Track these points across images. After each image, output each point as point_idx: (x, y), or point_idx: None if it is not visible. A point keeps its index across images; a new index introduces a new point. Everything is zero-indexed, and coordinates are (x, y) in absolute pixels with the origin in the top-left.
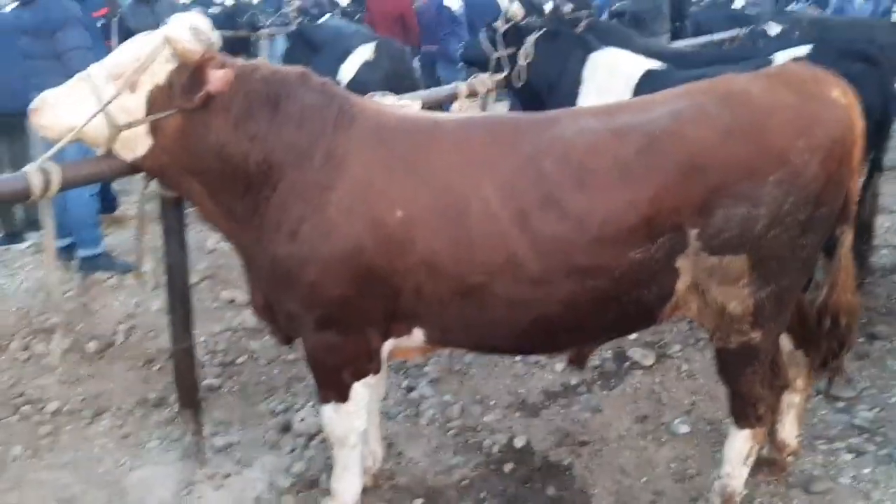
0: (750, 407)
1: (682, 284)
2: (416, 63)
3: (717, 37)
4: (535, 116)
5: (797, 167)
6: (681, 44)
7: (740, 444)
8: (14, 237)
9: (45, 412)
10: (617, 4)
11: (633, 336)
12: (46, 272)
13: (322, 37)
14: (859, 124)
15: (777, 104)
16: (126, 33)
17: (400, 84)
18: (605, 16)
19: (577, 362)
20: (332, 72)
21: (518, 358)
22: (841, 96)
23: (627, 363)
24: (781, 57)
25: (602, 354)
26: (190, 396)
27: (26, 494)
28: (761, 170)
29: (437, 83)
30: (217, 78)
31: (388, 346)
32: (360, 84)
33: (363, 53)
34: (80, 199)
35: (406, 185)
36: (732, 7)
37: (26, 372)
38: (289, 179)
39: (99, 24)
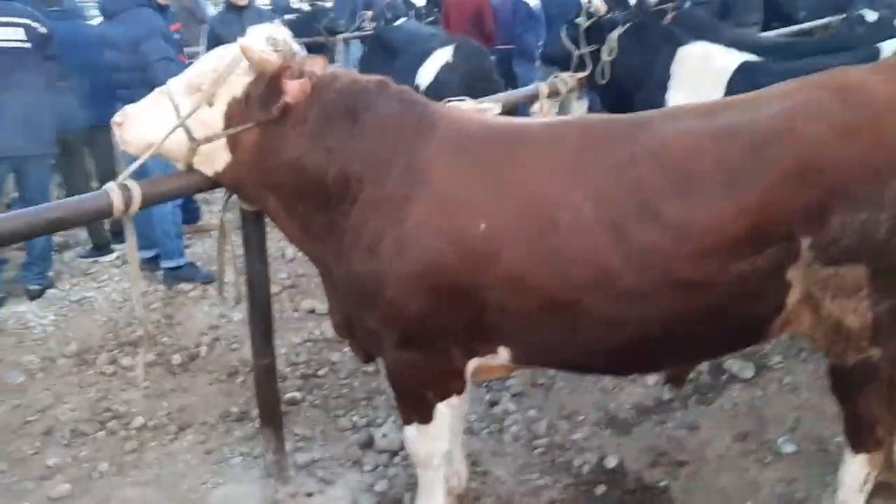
0: (867, 429)
1: (793, 298)
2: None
3: (807, 25)
4: (629, 118)
5: None
6: (770, 34)
7: (856, 470)
8: (101, 249)
9: (130, 427)
10: None
11: None
12: (132, 286)
13: (399, 40)
14: None
15: None
16: (215, 42)
17: (479, 85)
18: (687, 4)
19: (676, 381)
20: (411, 75)
21: None
22: None
23: (725, 376)
24: (889, 46)
25: (697, 367)
26: (271, 413)
27: None
28: (884, 170)
29: (514, 81)
30: (293, 88)
31: (473, 365)
32: (439, 87)
33: (443, 56)
34: (164, 212)
35: (490, 195)
36: None
37: (113, 386)
38: (367, 193)
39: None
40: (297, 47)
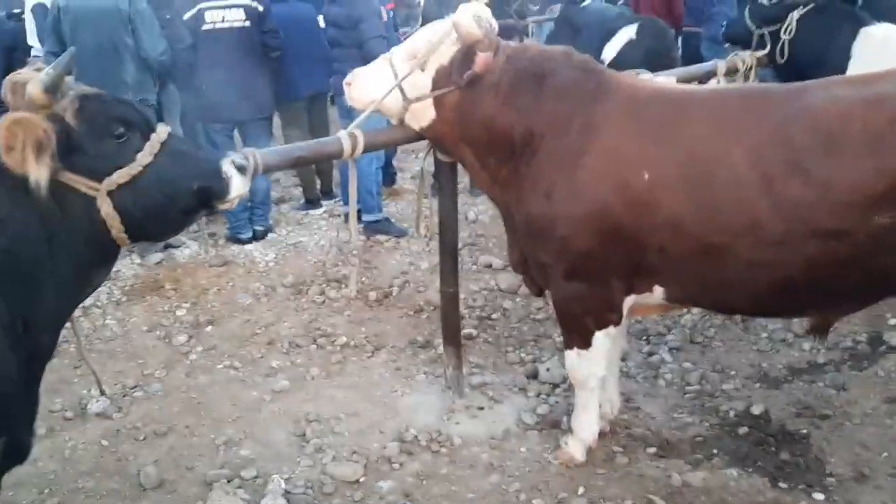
0: None
1: None
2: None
3: None
4: (787, 86)
5: None
6: None
7: None
8: (313, 203)
9: (336, 344)
10: None
11: (893, 321)
12: (350, 220)
13: (585, 19)
14: None
15: None
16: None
17: (660, 62)
18: None
19: (820, 330)
20: (596, 52)
21: (764, 334)
22: None
23: (883, 347)
24: None
25: (855, 337)
26: (453, 335)
27: (320, 406)
28: None
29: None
30: (480, 59)
31: (630, 301)
32: (622, 62)
33: (627, 33)
34: (368, 172)
35: (654, 150)
36: None
37: (321, 312)
38: (547, 146)
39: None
40: (495, 24)
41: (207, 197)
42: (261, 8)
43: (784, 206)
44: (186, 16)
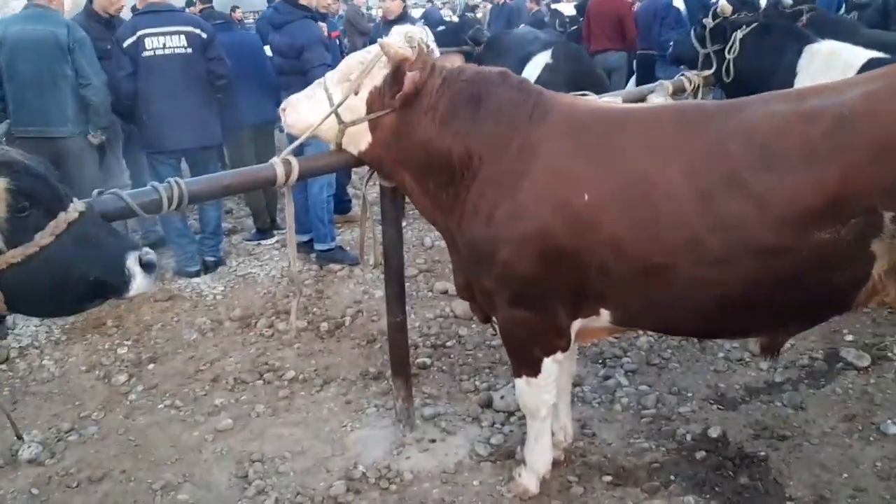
0: None
1: (878, 269)
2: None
3: None
4: (723, 102)
5: None
6: None
7: None
8: (264, 232)
9: (283, 379)
10: None
11: (850, 337)
12: (289, 249)
13: (505, 44)
14: None
15: None
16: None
17: (583, 83)
18: (842, 9)
19: (770, 350)
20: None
21: (721, 354)
22: None
23: (840, 364)
24: None
25: (812, 354)
26: (402, 366)
27: (266, 444)
28: None
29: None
30: (408, 79)
31: (577, 325)
32: (543, 87)
33: (543, 58)
34: (319, 200)
35: (593, 170)
36: None
37: (270, 346)
38: (487, 168)
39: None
40: (433, 46)
41: (104, 290)
42: (204, 35)
43: (723, 222)
44: (126, 43)
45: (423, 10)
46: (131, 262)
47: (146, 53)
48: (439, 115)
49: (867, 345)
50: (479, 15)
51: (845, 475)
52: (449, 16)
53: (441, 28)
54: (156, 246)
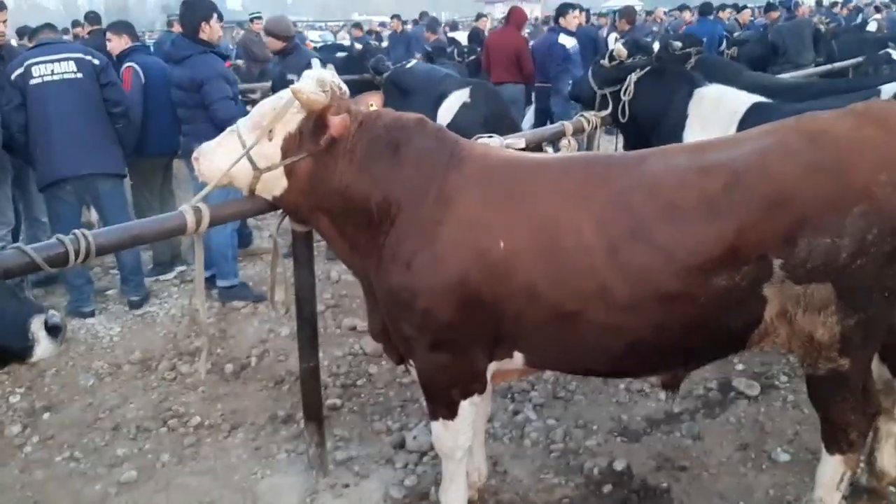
0: (841, 433)
1: (770, 312)
2: (532, 98)
3: (838, 65)
4: (629, 155)
5: (880, 200)
6: (800, 74)
7: (832, 470)
8: (162, 267)
9: (188, 425)
10: (744, 33)
11: (740, 367)
12: (196, 293)
13: (412, 81)
14: None
15: (860, 140)
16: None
17: (499, 124)
18: (724, 45)
19: (671, 386)
20: (429, 114)
21: (622, 385)
22: None
23: (732, 393)
24: (888, 88)
25: (706, 384)
26: (315, 411)
27: (172, 496)
28: (844, 202)
29: (550, 117)
30: (336, 123)
31: (492, 367)
32: (459, 126)
33: (460, 97)
34: (223, 235)
35: (508, 219)
36: (867, 30)
37: (172, 390)
38: (405, 215)
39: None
40: (345, 87)
41: (5, 355)
42: (96, 61)
43: (629, 271)
44: (14, 75)
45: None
46: (36, 326)
47: (34, 81)
48: (357, 160)
49: (756, 374)
50: (384, 44)
51: (741, 503)
52: (345, 38)
53: (342, 55)
54: (46, 283)
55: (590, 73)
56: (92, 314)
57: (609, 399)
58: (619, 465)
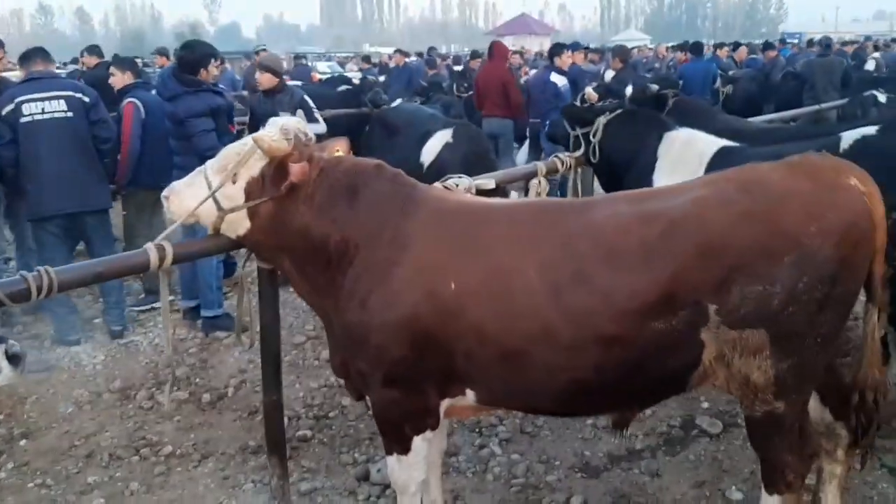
0: (778, 473)
1: (707, 355)
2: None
3: (825, 105)
4: (576, 201)
5: (810, 249)
6: (775, 117)
7: None
8: (155, 296)
9: (160, 454)
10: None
11: (706, 405)
12: (164, 328)
13: (397, 120)
14: (879, 210)
15: (793, 191)
16: (253, 119)
17: (479, 164)
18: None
19: (620, 425)
20: (413, 153)
21: (589, 421)
22: (859, 184)
23: (695, 431)
24: (848, 136)
25: (670, 421)
26: (277, 444)
27: None
28: (775, 251)
29: (541, 153)
30: (295, 170)
31: (445, 404)
32: (441, 164)
33: (443, 137)
34: (208, 266)
35: (459, 261)
36: (864, 69)
37: (149, 419)
38: (362, 256)
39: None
40: (311, 134)
41: None
42: (87, 98)
43: (571, 313)
44: (4, 111)
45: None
46: None
47: (24, 119)
48: (316, 204)
49: (721, 412)
50: (381, 78)
51: None
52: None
53: (344, 88)
54: (34, 311)
55: (563, 114)
56: (77, 342)
57: (574, 435)
58: (576, 501)
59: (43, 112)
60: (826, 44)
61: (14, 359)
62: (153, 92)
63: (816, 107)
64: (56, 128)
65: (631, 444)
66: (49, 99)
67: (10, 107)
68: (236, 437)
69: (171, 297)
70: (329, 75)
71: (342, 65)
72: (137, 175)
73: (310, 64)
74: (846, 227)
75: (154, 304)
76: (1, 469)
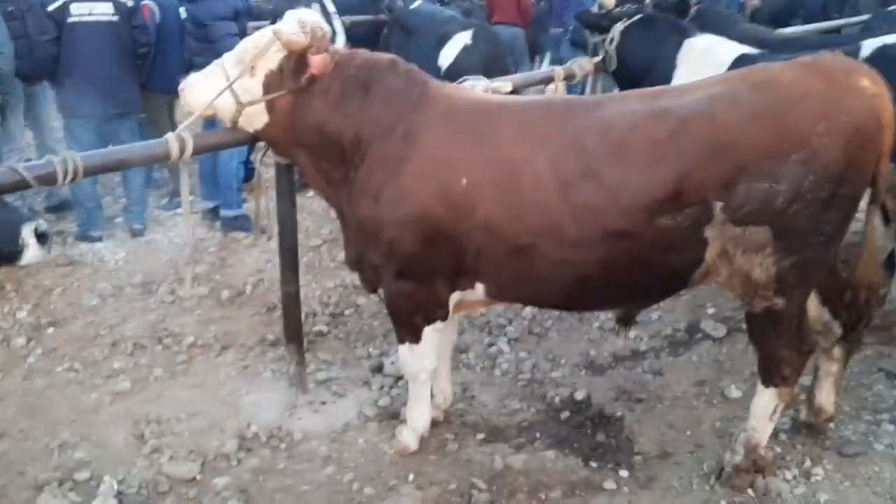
0: (774, 367)
1: (711, 252)
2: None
3: (843, 21)
4: (587, 99)
5: (817, 149)
6: (799, 29)
7: (765, 401)
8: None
9: (182, 344)
10: None
11: (711, 311)
12: (184, 222)
13: (415, 22)
14: (888, 113)
15: (803, 91)
16: (273, 18)
17: (494, 66)
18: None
19: (624, 321)
20: (430, 56)
21: (596, 324)
22: (870, 86)
23: (699, 335)
24: (868, 44)
25: (675, 325)
26: (295, 333)
27: (162, 406)
28: (783, 150)
29: (560, 62)
30: (316, 62)
31: (455, 297)
32: (459, 67)
33: (462, 39)
34: (228, 167)
35: (470, 157)
36: None
37: (170, 311)
38: (374, 151)
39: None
40: (327, 28)
41: None
42: (130, 3)
43: (579, 209)
44: (51, 7)
45: None
46: (26, 232)
47: (71, 19)
48: (332, 99)
49: (726, 317)
50: None
51: (688, 433)
52: None
53: None
54: (58, 209)
55: (578, 20)
56: (100, 239)
57: (581, 336)
58: (579, 395)
59: (90, 13)
60: None
61: (42, 237)
62: None
63: (842, 21)
64: (101, 31)
65: (636, 345)
66: (96, 0)
67: (58, 4)
68: (255, 330)
69: (192, 197)
70: None
71: None
72: (151, 78)
73: None
74: (854, 128)
75: (177, 211)
76: (30, 354)
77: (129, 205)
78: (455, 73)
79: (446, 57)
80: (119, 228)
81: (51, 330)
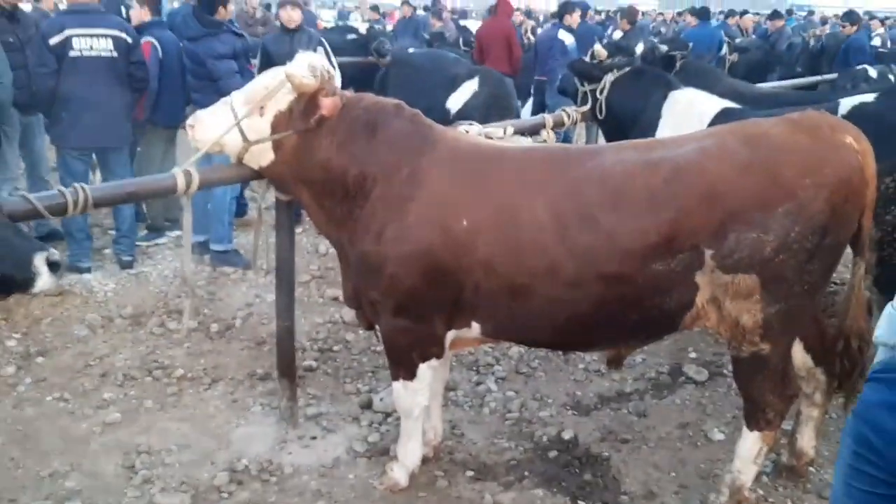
0: (759, 411)
1: (701, 297)
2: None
3: (815, 79)
4: (585, 147)
5: (804, 201)
6: (777, 84)
7: (750, 444)
8: (157, 233)
9: (172, 376)
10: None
11: (693, 355)
12: (183, 254)
13: (423, 62)
14: (871, 167)
15: (791, 145)
16: (266, 59)
17: (498, 108)
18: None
19: (614, 363)
20: (440, 96)
21: (581, 365)
22: (853, 142)
23: (682, 378)
24: (846, 102)
25: (659, 368)
26: (288, 368)
27: (152, 438)
28: (771, 201)
29: (545, 109)
30: (327, 104)
31: (451, 335)
32: (468, 112)
33: (471, 86)
34: (222, 201)
35: (472, 199)
36: (871, 44)
37: (160, 344)
38: (379, 190)
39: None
40: (334, 73)
41: (10, 284)
42: (130, 39)
43: (576, 251)
44: (53, 41)
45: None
46: (39, 261)
47: (73, 54)
48: (338, 138)
49: (707, 362)
50: (388, 27)
51: (673, 474)
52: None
53: (352, 37)
54: (47, 239)
55: (572, 69)
56: (88, 270)
57: (567, 377)
58: (566, 435)
59: (91, 49)
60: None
61: (53, 266)
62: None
63: (817, 78)
64: (101, 66)
65: (621, 386)
66: (97, 36)
67: (60, 38)
68: (244, 364)
69: (178, 232)
70: (333, 24)
71: (348, 13)
72: (152, 114)
73: (311, 11)
74: (839, 182)
75: (157, 241)
76: (20, 383)
77: (118, 236)
78: (465, 116)
79: (456, 101)
80: (108, 260)
81: (40, 359)
